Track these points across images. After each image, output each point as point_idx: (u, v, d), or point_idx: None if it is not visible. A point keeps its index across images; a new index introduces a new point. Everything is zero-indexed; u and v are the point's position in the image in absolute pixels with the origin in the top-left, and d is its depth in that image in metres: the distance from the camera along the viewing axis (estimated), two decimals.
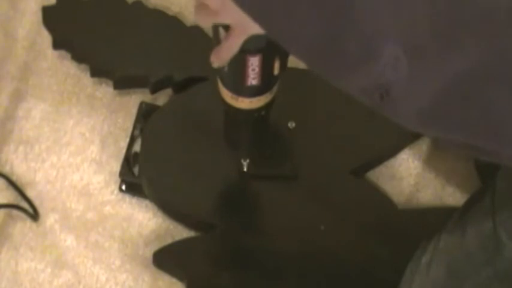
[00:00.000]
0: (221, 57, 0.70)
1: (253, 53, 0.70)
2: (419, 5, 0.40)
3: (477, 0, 0.40)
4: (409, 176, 0.95)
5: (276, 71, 0.75)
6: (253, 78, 0.73)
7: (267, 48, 0.71)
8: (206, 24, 0.69)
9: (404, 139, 0.97)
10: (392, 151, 0.97)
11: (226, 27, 0.68)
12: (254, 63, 0.72)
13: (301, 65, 0.49)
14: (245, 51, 0.69)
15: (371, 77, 0.43)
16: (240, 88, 0.76)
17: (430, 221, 0.79)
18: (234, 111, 0.79)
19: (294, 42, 0.46)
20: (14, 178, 0.95)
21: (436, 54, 0.41)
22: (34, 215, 0.92)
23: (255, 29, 0.61)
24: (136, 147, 0.94)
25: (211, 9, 0.63)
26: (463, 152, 0.51)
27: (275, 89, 0.78)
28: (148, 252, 0.89)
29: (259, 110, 0.79)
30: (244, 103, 0.78)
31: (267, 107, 0.79)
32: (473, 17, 0.40)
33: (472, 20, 0.40)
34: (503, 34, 0.40)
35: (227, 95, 0.78)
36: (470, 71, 0.41)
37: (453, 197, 0.93)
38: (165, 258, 0.88)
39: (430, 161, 0.96)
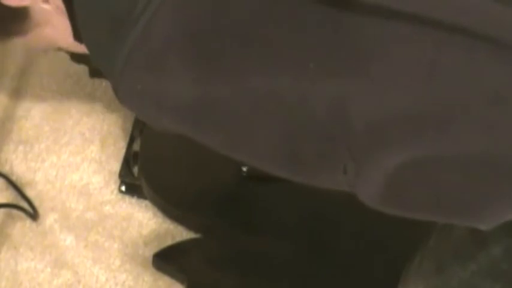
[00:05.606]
0: None
1: None
2: None
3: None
4: None
5: None
6: None
7: None
8: None
9: None
10: None
11: None
12: None
13: None
14: None
15: (333, 179, 0.53)
16: None
17: (429, 222, 0.79)
18: None
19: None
20: (13, 178, 0.95)
21: (377, 153, 0.49)
22: (34, 214, 0.92)
23: None
24: (136, 148, 0.94)
25: None
26: None
27: None
28: (148, 252, 0.90)
29: None
30: None
31: None
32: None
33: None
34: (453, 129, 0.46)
35: None
36: (415, 160, 0.47)
37: None
38: (164, 261, 0.88)
39: None
